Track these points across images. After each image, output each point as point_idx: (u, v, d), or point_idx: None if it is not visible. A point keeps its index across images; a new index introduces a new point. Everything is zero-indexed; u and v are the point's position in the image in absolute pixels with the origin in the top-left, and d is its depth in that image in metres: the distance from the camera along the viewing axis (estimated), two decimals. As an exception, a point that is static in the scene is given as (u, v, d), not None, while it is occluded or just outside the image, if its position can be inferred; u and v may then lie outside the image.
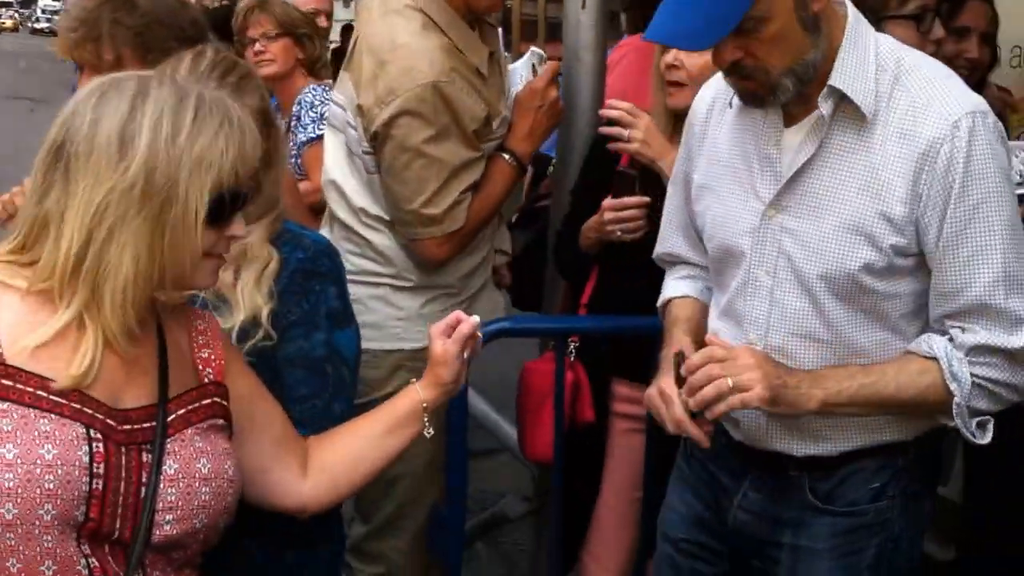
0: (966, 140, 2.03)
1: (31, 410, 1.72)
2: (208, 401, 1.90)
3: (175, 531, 1.81)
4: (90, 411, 1.76)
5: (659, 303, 2.55)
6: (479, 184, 3.03)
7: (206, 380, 1.92)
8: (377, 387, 2.94)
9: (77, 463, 1.73)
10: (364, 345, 2.41)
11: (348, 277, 2.99)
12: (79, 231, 1.73)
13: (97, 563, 1.75)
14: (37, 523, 1.70)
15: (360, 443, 2.15)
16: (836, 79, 2.09)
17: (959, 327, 2.12)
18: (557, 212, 3.42)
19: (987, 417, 2.14)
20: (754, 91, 2.13)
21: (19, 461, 1.69)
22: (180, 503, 1.81)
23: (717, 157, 2.31)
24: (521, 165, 3.11)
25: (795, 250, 2.17)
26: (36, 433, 1.71)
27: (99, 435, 1.76)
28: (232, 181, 1.79)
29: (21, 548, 1.71)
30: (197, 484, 1.83)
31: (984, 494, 3.24)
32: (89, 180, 1.73)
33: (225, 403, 1.93)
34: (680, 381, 2.12)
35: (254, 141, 1.82)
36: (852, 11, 2.14)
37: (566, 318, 3.29)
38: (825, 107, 2.11)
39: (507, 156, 3.09)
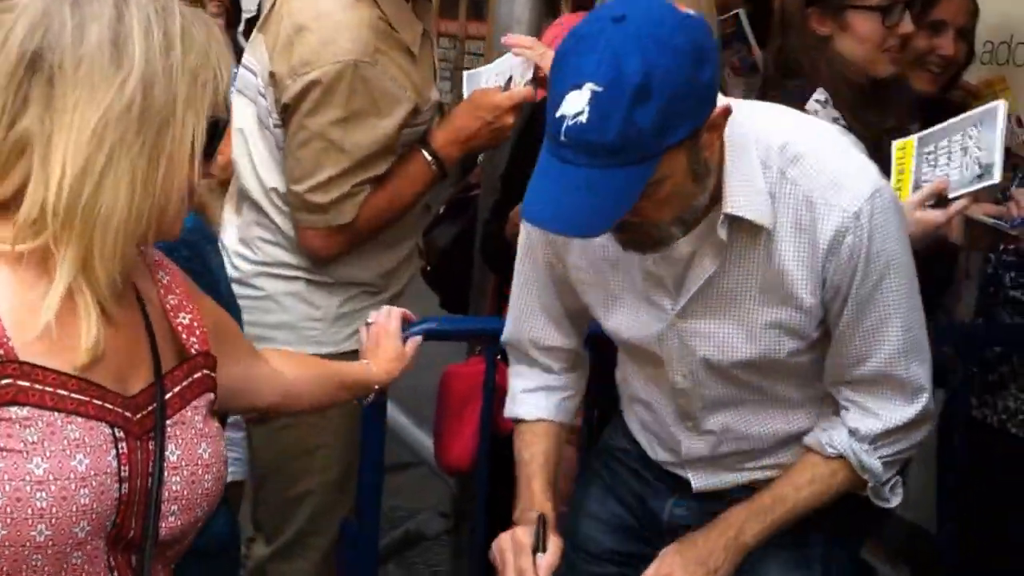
0: (867, 227, 1.98)
1: (56, 415, 1.51)
2: (199, 375, 1.69)
3: (179, 523, 1.64)
4: (110, 406, 1.56)
5: (507, 413, 2.36)
6: (386, 177, 2.73)
7: (193, 351, 1.69)
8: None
9: (108, 470, 1.55)
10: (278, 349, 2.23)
11: (261, 269, 2.77)
12: (74, 157, 1.46)
13: (117, 572, 1.60)
14: (70, 542, 1.52)
15: (314, 374, 2.17)
16: (729, 205, 1.97)
17: (856, 403, 2.12)
18: (486, 200, 3.20)
19: (896, 479, 2.19)
20: (638, 242, 1.97)
21: (51, 477, 1.49)
22: (185, 492, 1.64)
23: (594, 253, 2.12)
24: (441, 169, 2.79)
25: (710, 351, 2.11)
26: (66, 442, 1.51)
27: (121, 433, 1.57)
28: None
29: (47, 568, 1.52)
30: (200, 471, 1.66)
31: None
32: (83, 94, 1.46)
33: (213, 375, 1.71)
34: (537, 549, 2.11)
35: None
36: (725, 110, 1.91)
37: (497, 320, 3.02)
38: (723, 232, 1.99)
39: (428, 155, 2.77)
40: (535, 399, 2.31)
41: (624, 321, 2.15)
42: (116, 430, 1.56)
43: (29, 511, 1.48)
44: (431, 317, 2.81)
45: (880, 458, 2.11)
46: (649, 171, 1.79)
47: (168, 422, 1.63)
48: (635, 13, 1.78)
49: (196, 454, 1.66)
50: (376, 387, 2.34)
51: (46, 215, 1.47)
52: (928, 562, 3.34)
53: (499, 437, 2.78)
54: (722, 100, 1.88)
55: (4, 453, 1.47)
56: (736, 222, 1.98)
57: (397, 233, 2.85)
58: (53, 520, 1.49)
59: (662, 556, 2.10)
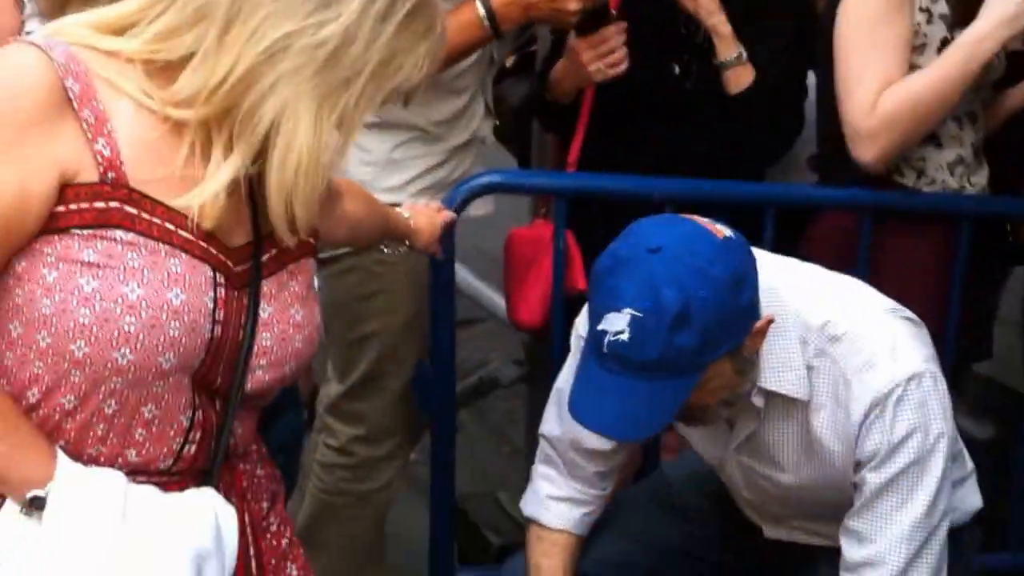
0: (893, 410, 2.01)
1: (162, 246, 1.52)
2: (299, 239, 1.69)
3: (266, 378, 1.67)
4: (215, 251, 1.57)
5: (529, 514, 2.39)
6: None
7: None
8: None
9: (203, 310, 1.55)
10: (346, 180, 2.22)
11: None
12: (243, 58, 1.47)
13: (201, 413, 1.62)
14: (153, 370, 1.53)
15: (370, 211, 2.20)
16: (764, 379, 2.05)
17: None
18: (542, 51, 3.14)
19: None
20: (683, 416, 2.05)
21: (143, 304, 1.50)
22: (274, 349, 1.66)
23: None
24: (494, 27, 2.70)
25: (766, 484, 2.21)
26: (166, 274, 1.51)
27: (222, 279, 1.58)
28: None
29: (124, 392, 1.54)
30: (291, 331, 1.68)
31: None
32: (274, 7, 1.46)
33: (314, 241, 1.75)
34: None
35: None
36: (768, 322, 1.99)
37: (564, 175, 3.04)
38: (758, 401, 2.08)
39: (481, 9, 2.69)
40: (561, 508, 2.36)
41: (695, 434, 2.27)
42: (218, 274, 1.57)
43: (115, 333, 1.49)
44: (492, 169, 2.87)
45: None
46: (692, 382, 1.91)
47: (264, 281, 1.65)
48: (671, 243, 1.87)
49: (288, 314, 1.67)
50: (407, 243, 2.41)
51: (200, 96, 1.49)
52: (1015, 419, 3.29)
53: (566, 299, 2.88)
54: (764, 311, 1.97)
55: (100, 271, 1.48)
56: (771, 397, 2.08)
57: (455, 80, 2.79)
58: (138, 346, 1.50)
59: None
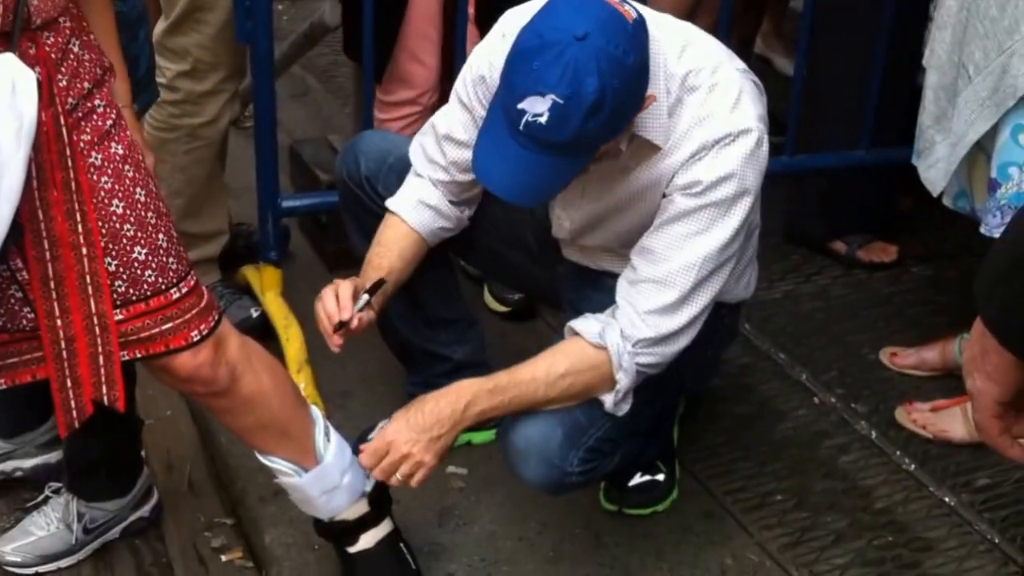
0: (718, 154, 2.15)
1: None
2: None
3: None
4: None
5: (390, 204, 2.49)
6: None
7: None
8: None
9: None
10: None
11: None
12: None
13: None
14: None
15: None
16: (635, 127, 2.16)
17: (631, 304, 2.21)
18: None
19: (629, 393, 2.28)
20: None
21: None
22: None
23: None
24: None
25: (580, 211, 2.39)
26: None
27: None
28: None
29: None
30: None
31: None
32: None
33: None
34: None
35: None
36: (651, 98, 2.12)
37: None
38: (623, 146, 2.18)
39: None
40: (425, 215, 2.47)
41: None
42: None
43: None
44: None
45: (637, 364, 2.22)
46: (590, 158, 2.11)
47: None
48: (594, 31, 1.95)
49: None
50: None
51: None
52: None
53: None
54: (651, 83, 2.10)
55: None
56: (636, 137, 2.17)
57: None
58: None
59: (393, 418, 2.24)
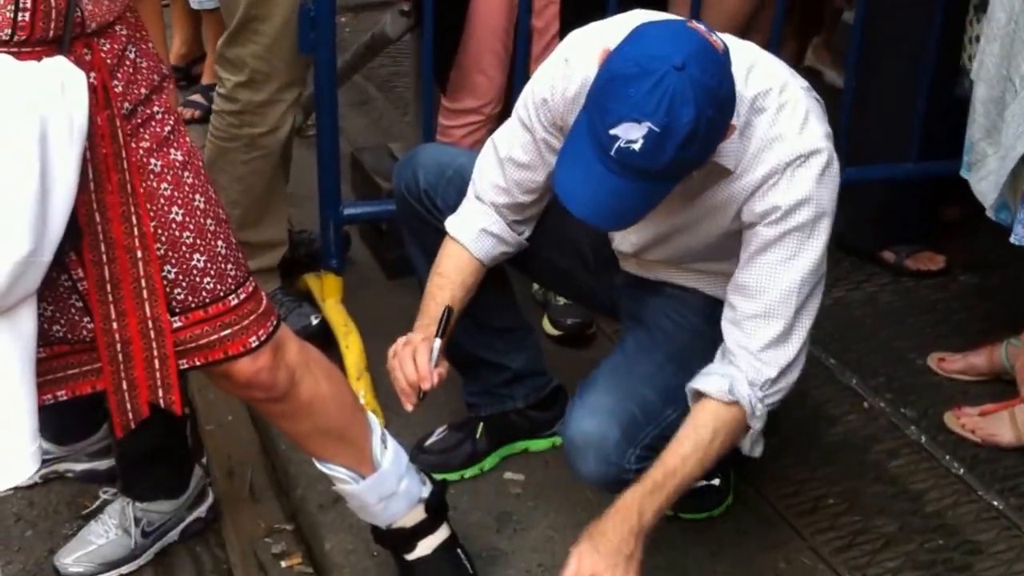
0: (790, 178, 2.17)
1: None
2: None
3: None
4: None
5: (451, 230, 2.50)
6: None
7: None
8: None
9: None
10: None
11: None
12: None
13: None
14: None
15: None
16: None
17: (745, 348, 2.24)
18: None
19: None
20: None
21: None
22: None
23: None
24: None
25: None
26: None
27: None
28: None
29: None
30: None
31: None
32: None
33: None
34: (438, 333, 2.35)
35: None
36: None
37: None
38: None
39: None
40: (487, 242, 2.49)
41: None
42: None
43: None
44: None
45: (768, 405, 2.27)
46: (677, 182, 2.11)
47: None
48: (691, 61, 1.96)
49: None
50: None
51: None
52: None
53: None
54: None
55: None
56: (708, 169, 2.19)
57: None
58: None
59: (579, 554, 2.18)
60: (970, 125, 2.86)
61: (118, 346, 1.97)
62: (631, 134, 1.98)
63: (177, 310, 1.99)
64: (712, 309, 2.42)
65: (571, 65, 2.23)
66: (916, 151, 3.42)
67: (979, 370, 3.15)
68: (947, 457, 2.91)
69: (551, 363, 2.93)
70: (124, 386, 2.00)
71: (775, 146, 2.18)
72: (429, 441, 2.85)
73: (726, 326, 2.28)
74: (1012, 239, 2.70)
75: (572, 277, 2.70)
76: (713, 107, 2.00)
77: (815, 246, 2.21)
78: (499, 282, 2.72)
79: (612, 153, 2.00)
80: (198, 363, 2.05)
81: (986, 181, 2.81)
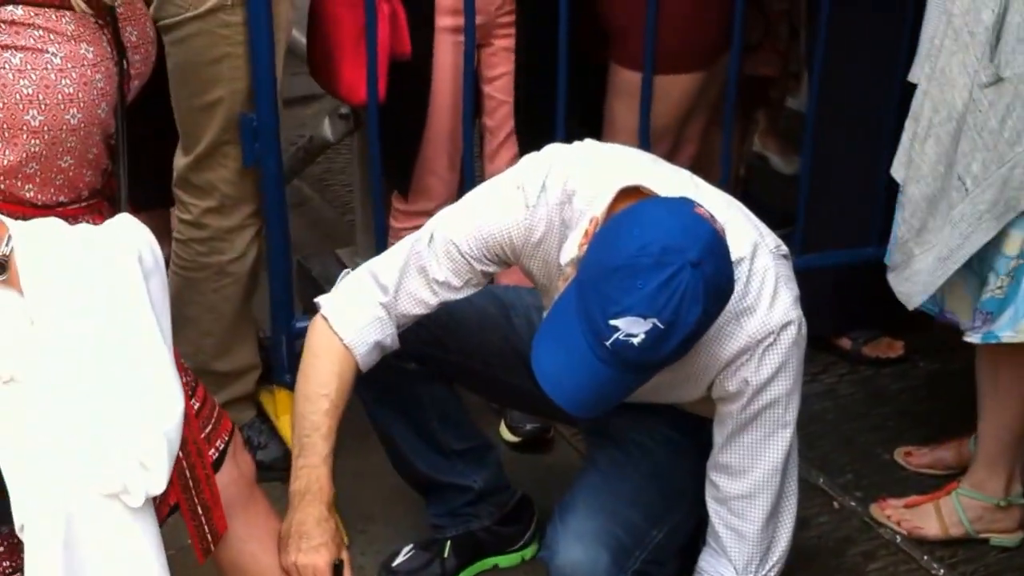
0: (762, 356, 2.13)
1: (49, 9, 1.81)
2: None
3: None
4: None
5: (341, 332, 2.29)
6: None
7: None
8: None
9: (107, 55, 1.90)
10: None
11: None
12: None
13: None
14: (96, 123, 1.89)
15: None
16: None
17: (733, 529, 2.24)
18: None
19: None
20: None
21: (69, 65, 1.81)
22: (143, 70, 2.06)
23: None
24: None
25: None
26: (69, 33, 1.82)
27: (101, 20, 1.90)
28: None
29: (78, 148, 1.89)
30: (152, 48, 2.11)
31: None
32: None
33: None
34: None
35: None
36: None
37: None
38: None
39: None
40: (376, 354, 2.32)
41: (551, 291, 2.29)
42: (96, 19, 1.85)
43: (59, 96, 1.79)
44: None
45: None
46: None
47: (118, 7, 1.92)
48: (707, 258, 1.89)
49: (147, 33, 2.02)
50: None
51: None
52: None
53: (395, 63, 2.91)
54: None
55: (15, 50, 1.75)
56: None
57: None
58: (81, 104, 1.81)
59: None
60: (898, 225, 2.78)
61: (187, 472, 1.96)
62: (633, 328, 1.89)
63: None
64: (683, 419, 2.38)
65: (521, 195, 2.18)
66: (876, 236, 3.36)
67: (947, 463, 3.11)
68: (925, 557, 2.86)
69: (511, 470, 2.86)
70: (200, 510, 1.99)
71: (744, 320, 2.12)
72: (396, 562, 2.76)
73: (712, 504, 2.26)
74: (967, 338, 2.66)
75: (524, 394, 2.48)
76: (718, 304, 1.97)
77: (790, 414, 2.22)
78: (450, 402, 2.65)
79: (608, 344, 1.91)
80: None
81: (911, 282, 2.74)
